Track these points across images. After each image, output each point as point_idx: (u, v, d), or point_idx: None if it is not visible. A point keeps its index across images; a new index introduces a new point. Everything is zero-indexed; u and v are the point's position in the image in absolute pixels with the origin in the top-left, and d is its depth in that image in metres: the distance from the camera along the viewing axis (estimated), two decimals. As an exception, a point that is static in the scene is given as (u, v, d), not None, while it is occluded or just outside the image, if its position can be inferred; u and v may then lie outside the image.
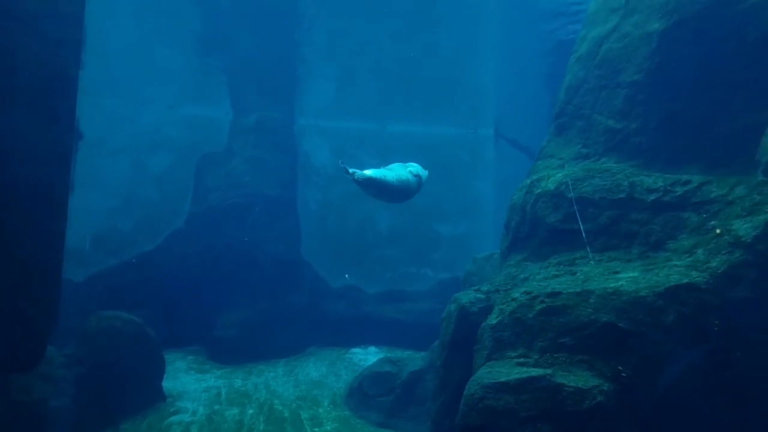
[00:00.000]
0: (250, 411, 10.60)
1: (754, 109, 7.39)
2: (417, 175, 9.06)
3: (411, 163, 9.31)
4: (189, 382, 11.98)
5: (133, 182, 17.37)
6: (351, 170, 8.01)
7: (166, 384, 11.22)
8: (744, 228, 6.26)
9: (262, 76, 17.49)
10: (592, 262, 7.50)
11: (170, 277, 14.36)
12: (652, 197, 7.51)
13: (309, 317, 14.97)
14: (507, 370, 6.01)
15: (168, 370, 11.44)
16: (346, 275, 16.94)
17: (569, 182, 8.19)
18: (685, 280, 6.16)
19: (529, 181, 8.99)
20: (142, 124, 18.04)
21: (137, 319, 10.66)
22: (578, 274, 7.20)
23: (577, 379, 5.72)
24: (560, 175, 8.52)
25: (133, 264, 14.65)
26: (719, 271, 6.14)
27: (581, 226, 7.78)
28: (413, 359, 11.56)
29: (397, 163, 9.15)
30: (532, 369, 5.95)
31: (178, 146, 18.66)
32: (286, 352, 14.02)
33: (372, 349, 14.78)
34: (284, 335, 14.12)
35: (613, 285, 6.40)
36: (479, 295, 7.99)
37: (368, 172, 8.21)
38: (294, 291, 15.01)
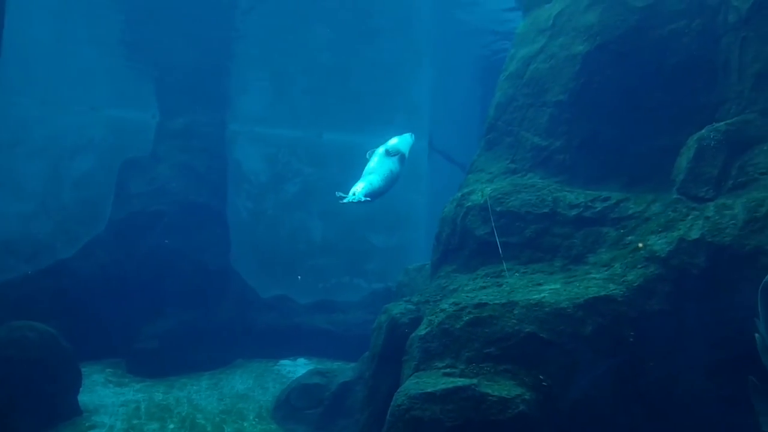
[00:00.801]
0: (171, 426, 10.25)
1: (670, 131, 7.79)
2: (397, 153, 8.90)
3: (389, 141, 9.03)
4: (107, 396, 11.47)
5: (50, 186, 16.58)
6: (347, 197, 8.19)
7: (82, 398, 10.70)
8: (659, 244, 6.56)
9: (193, 79, 17.08)
10: (517, 274, 7.68)
11: (89, 285, 13.76)
12: (573, 212, 7.77)
13: (236, 328, 14.64)
14: (434, 381, 6.05)
15: (85, 383, 10.91)
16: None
17: (496, 196, 8.37)
18: (603, 293, 6.39)
19: (459, 195, 9.14)
20: (64, 126, 17.28)
21: (51, 330, 10.13)
22: (504, 285, 7.36)
23: (500, 388, 5.83)
24: (489, 189, 8.70)
25: (49, 271, 13.92)
26: (635, 285, 6.40)
27: (497, 240, 7.95)
28: (343, 370, 11.49)
29: (377, 152, 8.85)
30: (458, 379, 6.02)
31: (101, 149, 18.01)
32: (211, 365, 13.63)
33: (301, 360, 14.60)
34: (209, 347, 13.74)
35: (536, 297, 6.57)
36: (409, 306, 8.04)
37: (359, 189, 8.27)
38: (221, 301, 14.65)
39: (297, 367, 13.98)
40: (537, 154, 9.01)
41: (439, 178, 19.77)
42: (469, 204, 8.67)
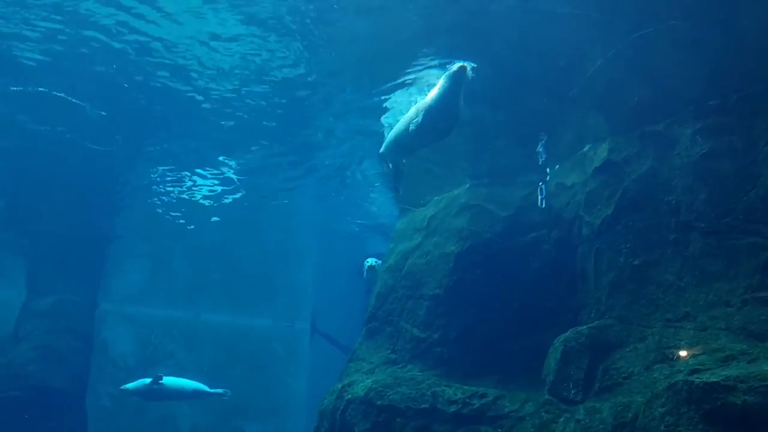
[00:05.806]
0: None
1: (538, 330, 8.21)
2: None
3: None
4: None
5: None
6: None
7: None
8: (537, 450, 6.59)
9: (65, 256, 16.34)
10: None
11: None
12: (452, 409, 7.75)
13: None
14: None
15: None
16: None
17: (377, 389, 8.27)
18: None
19: (339, 386, 8.94)
20: None
21: None
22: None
23: None
24: (370, 381, 8.60)
25: None
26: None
27: None
28: None
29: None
30: None
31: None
32: None
33: None
34: None
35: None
36: None
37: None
38: None
39: None
40: (416, 345, 9.15)
41: (322, 362, 19.37)
42: (349, 396, 8.47)
